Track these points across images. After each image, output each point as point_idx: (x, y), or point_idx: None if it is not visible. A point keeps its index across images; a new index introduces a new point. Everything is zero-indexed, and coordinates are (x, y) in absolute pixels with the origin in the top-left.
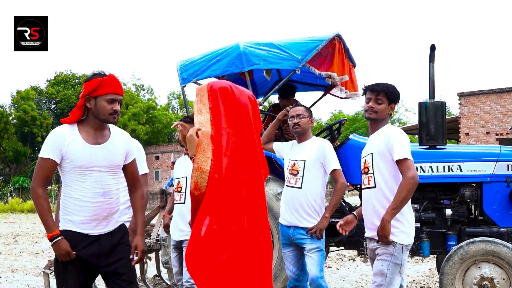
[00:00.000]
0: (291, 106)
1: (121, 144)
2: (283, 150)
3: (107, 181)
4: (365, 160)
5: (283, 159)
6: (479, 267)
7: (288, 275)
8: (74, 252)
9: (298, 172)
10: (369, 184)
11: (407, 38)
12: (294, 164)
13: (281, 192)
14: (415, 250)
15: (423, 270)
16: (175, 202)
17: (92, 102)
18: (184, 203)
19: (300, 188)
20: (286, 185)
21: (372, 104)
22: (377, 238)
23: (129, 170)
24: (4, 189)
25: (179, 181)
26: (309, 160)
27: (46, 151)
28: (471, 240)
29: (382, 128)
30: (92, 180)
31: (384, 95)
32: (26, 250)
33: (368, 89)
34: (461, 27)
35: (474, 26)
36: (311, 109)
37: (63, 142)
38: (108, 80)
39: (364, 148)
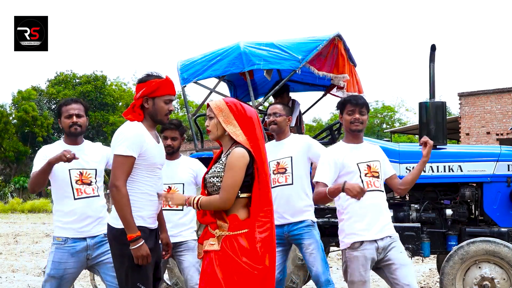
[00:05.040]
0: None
1: (162, 144)
2: None
3: (162, 178)
4: (372, 164)
5: None
6: (479, 267)
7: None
8: (151, 257)
9: (286, 170)
10: (380, 187)
11: (408, 38)
12: (279, 163)
13: None
14: (416, 250)
15: (423, 270)
16: (163, 208)
17: (150, 102)
18: (182, 210)
19: (292, 184)
20: (274, 186)
21: (358, 116)
22: (389, 234)
23: None
24: (5, 189)
25: (170, 188)
26: (296, 155)
27: (129, 148)
28: (472, 240)
29: (369, 143)
30: (158, 176)
31: (366, 107)
32: (27, 250)
33: (349, 103)
34: (461, 27)
35: (474, 26)
36: (310, 110)
37: (143, 139)
38: (166, 82)
39: (358, 154)
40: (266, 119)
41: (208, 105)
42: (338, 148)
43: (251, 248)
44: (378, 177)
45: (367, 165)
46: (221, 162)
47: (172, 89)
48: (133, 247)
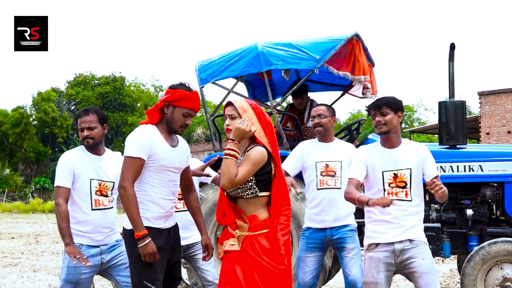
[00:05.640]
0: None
1: (186, 148)
2: (301, 158)
3: (176, 181)
4: (400, 173)
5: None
6: (501, 268)
7: (303, 281)
8: (158, 254)
9: (335, 173)
10: (406, 197)
11: (426, 37)
12: (328, 165)
13: (300, 192)
14: (436, 251)
15: (444, 271)
16: (175, 210)
17: (170, 109)
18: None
19: (340, 188)
20: (321, 188)
21: (378, 118)
22: (409, 238)
23: (186, 173)
24: (26, 190)
25: None
26: (345, 161)
27: (137, 150)
28: (493, 240)
29: (408, 144)
30: (168, 179)
31: (387, 106)
32: (48, 250)
33: (370, 108)
34: (480, 25)
35: (494, 24)
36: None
37: (151, 142)
38: (192, 96)
39: (386, 161)
40: (311, 120)
41: (229, 104)
42: (370, 150)
43: (272, 248)
44: (404, 187)
45: (394, 173)
46: (239, 161)
47: (194, 105)
48: (139, 245)
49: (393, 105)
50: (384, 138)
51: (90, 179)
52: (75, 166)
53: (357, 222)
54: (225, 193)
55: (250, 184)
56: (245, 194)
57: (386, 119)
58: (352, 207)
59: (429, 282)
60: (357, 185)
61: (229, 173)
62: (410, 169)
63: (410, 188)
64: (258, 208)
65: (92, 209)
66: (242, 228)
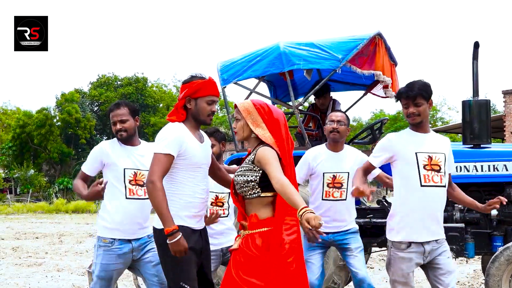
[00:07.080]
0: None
1: (209, 141)
2: (309, 167)
3: (207, 178)
4: (434, 156)
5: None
6: None
7: (311, 283)
8: (189, 251)
9: (342, 185)
10: (441, 182)
11: (450, 35)
12: (335, 176)
13: None
14: (460, 251)
15: (467, 271)
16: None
17: (192, 103)
18: (227, 216)
19: (345, 200)
20: (326, 199)
21: (412, 109)
22: (437, 238)
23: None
24: (49, 190)
25: (217, 196)
26: (352, 171)
27: (168, 147)
28: None
29: (436, 134)
30: (201, 177)
31: (421, 96)
32: (71, 250)
33: (402, 96)
34: (505, 23)
35: None
36: (350, 110)
37: (182, 139)
38: (208, 83)
39: (420, 143)
40: (327, 124)
41: (235, 106)
42: (400, 134)
43: (267, 246)
44: (439, 171)
45: (428, 155)
46: (246, 161)
47: (214, 90)
48: (170, 241)
49: (426, 93)
50: (415, 127)
51: (124, 168)
52: (104, 156)
53: (358, 222)
54: (233, 192)
55: (252, 184)
56: (248, 194)
57: (419, 109)
58: (355, 214)
59: (451, 281)
60: (367, 170)
61: (288, 188)
62: (444, 154)
63: (444, 173)
64: (260, 207)
65: (126, 198)
66: (245, 228)
